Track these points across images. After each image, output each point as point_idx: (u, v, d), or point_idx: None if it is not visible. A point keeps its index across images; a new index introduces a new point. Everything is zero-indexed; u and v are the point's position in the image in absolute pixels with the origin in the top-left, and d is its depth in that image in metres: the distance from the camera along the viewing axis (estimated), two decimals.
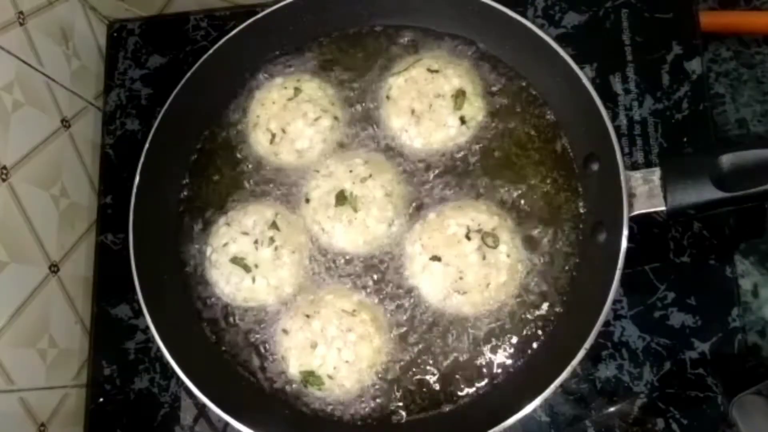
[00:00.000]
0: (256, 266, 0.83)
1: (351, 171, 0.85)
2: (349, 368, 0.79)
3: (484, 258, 0.79)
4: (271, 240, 0.84)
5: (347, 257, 0.85)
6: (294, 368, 0.81)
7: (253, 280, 0.83)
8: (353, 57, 0.94)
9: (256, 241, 0.84)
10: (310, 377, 0.80)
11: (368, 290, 0.84)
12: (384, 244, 0.85)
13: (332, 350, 0.79)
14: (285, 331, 0.82)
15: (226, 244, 0.85)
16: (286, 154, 0.88)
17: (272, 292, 0.84)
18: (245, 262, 0.83)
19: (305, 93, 0.89)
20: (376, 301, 0.84)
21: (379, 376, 0.81)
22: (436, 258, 0.80)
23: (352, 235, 0.84)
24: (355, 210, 0.83)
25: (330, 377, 0.79)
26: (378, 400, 0.81)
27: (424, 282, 0.82)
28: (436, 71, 0.86)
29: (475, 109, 0.87)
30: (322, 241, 0.85)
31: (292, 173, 0.89)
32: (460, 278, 0.79)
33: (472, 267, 0.79)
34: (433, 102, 0.86)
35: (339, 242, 0.84)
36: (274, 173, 0.90)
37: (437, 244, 0.81)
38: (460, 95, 0.85)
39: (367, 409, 0.81)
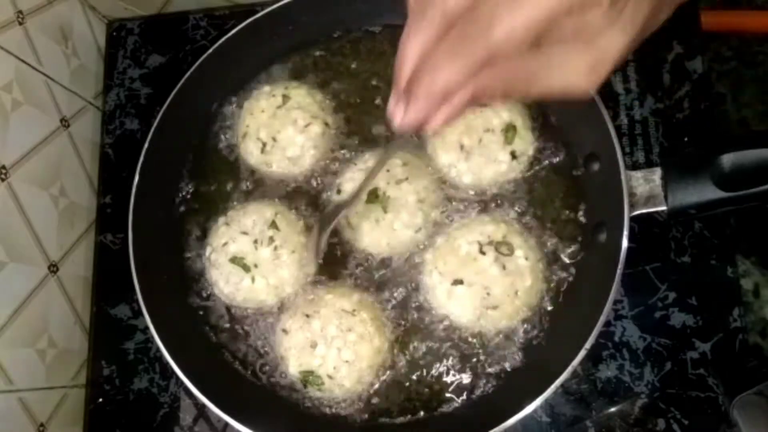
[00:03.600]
0: (256, 266, 0.83)
1: (388, 170, 0.83)
2: (349, 368, 0.79)
3: (504, 268, 0.78)
4: (271, 240, 0.83)
5: (354, 256, 0.85)
6: (294, 368, 0.81)
7: (253, 279, 0.83)
8: (352, 57, 0.94)
9: (255, 241, 0.84)
10: (309, 377, 0.80)
11: (371, 290, 0.84)
12: (405, 249, 0.84)
13: (332, 350, 0.79)
14: (285, 331, 0.82)
15: (225, 244, 0.85)
16: (278, 162, 0.88)
17: (272, 291, 0.84)
18: (245, 261, 0.83)
19: (294, 100, 0.88)
20: (378, 301, 0.83)
21: (380, 375, 0.81)
22: (458, 282, 0.79)
23: (377, 234, 0.83)
24: (385, 211, 0.82)
25: (330, 377, 0.79)
26: (377, 400, 0.81)
27: (453, 308, 0.80)
28: (484, 104, 0.83)
29: (526, 143, 0.84)
30: (345, 234, 0.85)
31: (286, 180, 0.89)
32: (488, 294, 0.78)
33: (496, 280, 0.78)
34: (482, 137, 0.83)
35: (362, 240, 0.83)
36: (269, 181, 0.90)
37: (454, 268, 0.79)
38: (510, 129, 0.83)
39: (366, 409, 0.81)
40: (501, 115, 0.83)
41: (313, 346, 0.79)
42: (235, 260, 0.84)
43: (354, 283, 0.85)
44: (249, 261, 0.83)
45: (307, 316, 0.81)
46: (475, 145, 0.83)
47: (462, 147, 0.83)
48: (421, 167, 0.86)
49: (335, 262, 0.85)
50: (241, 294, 0.84)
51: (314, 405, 0.82)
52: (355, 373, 0.79)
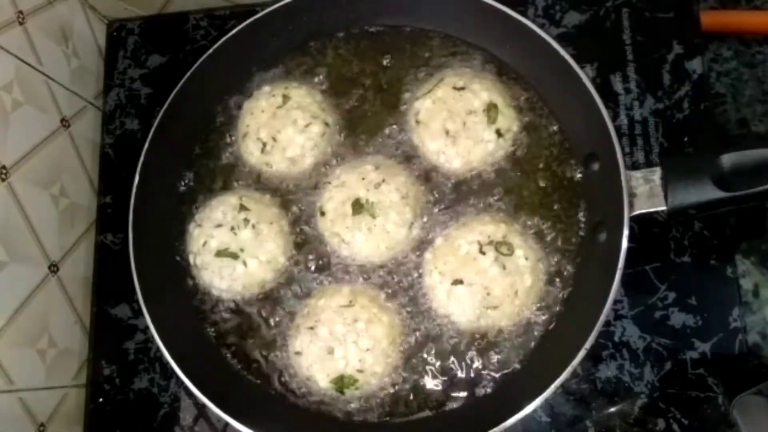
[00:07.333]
0: (242, 250, 0.83)
1: (363, 178, 0.83)
2: (372, 354, 0.78)
3: (504, 268, 0.78)
4: (246, 221, 0.84)
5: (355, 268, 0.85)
6: (323, 381, 0.79)
7: (245, 263, 0.83)
8: (353, 57, 0.94)
9: (232, 228, 0.84)
10: (341, 382, 0.79)
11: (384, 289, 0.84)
12: (405, 248, 0.84)
13: (349, 346, 0.78)
14: (298, 353, 0.81)
15: (205, 243, 0.85)
16: (278, 162, 0.88)
17: (267, 267, 0.84)
18: (230, 251, 0.83)
19: (294, 100, 0.88)
20: (371, 287, 0.84)
21: (404, 347, 0.81)
22: (458, 282, 0.79)
23: (373, 242, 0.83)
24: (373, 216, 0.82)
25: (360, 371, 0.78)
26: (378, 401, 0.81)
27: (453, 308, 0.80)
28: (462, 88, 0.84)
29: (510, 120, 0.85)
30: (343, 253, 0.85)
31: (287, 180, 0.89)
32: (488, 294, 0.78)
33: (496, 280, 0.78)
34: (466, 119, 0.83)
35: (361, 251, 0.83)
36: (269, 181, 0.90)
37: (454, 268, 0.79)
38: (492, 108, 0.83)
39: (366, 409, 0.81)
40: (480, 95, 0.84)
41: (331, 351, 0.79)
42: (221, 253, 0.84)
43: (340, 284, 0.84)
44: (234, 248, 0.83)
45: (311, 328, 0.80)
46: (460, 129, 0.84)
47: (447, 132, 0.84)
48: (394, 166, 0.86)
49: (339, 280, 0.85)
50: (238, 283, 0.84)
51: (315, 404, 0.82)
52: (380, 356, 0.79)
